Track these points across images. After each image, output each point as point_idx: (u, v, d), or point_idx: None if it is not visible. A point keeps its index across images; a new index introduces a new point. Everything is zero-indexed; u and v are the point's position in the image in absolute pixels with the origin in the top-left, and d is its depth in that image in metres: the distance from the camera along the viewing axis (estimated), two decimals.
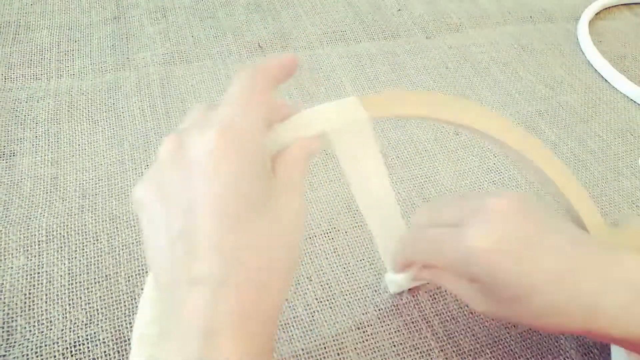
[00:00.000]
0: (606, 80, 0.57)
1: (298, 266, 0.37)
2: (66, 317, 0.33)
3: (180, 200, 0.21)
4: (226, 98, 0.23)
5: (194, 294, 0.19)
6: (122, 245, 0.37)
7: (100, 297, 0.34)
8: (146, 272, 0.36)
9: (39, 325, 0.33)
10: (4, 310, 0.33)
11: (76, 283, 0.35)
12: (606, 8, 0.68)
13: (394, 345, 0.34)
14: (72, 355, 0.31)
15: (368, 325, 0.34)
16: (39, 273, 0.35)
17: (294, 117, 0.25)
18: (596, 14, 0.67)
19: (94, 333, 0.32)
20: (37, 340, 0.32)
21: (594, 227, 0.30)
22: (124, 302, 0.34)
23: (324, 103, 0.26)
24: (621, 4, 0.70)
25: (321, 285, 0.36)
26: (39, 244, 0.37)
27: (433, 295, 0.36)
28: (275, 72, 0.25)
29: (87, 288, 0.35)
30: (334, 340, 0.33)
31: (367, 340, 0.34)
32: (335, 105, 0.26)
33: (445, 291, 0.37)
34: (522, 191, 0.44)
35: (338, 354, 0.33)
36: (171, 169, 0.21)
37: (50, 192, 0.40)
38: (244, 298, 0.20)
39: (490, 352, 0.34)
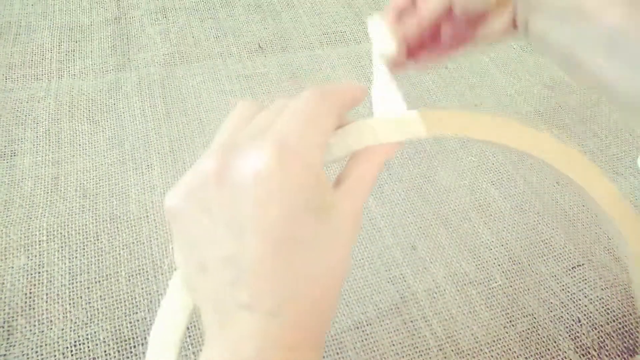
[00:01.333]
0: None
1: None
2: (66, 316, 0.33)
3: (229, 222, 0.19)
4: (287, 110, 0.21)
5: (243, 320, 0.19)
6: (123, 245, 0.37)
7: (100, 296, 0.34)
8: (146, 271, 0.36)
9: (39, 324, 0.33)
10: (4, 310, 0.33)
11: (77, 283, 0.35)
12: None
13: (393, 345, 0.34)
14: (72, 355, 0.32)
15: (367, 325, 0.34)
16: (39, 273, 0.35)
17: (347, 128, 0.24)
18: None
19: (94, 332, 0.33)
20: (37, 339, 0.32)
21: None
22: (125, 301, 0.34)
23: (382, 115, 0.24)
24: None
25: None
26: (39, 244, 0.37)
27: (432, 294, 0.37)
28: (347, 98, 0.23)
29: (88, 288, 0.35)
30: (333, 340, 0.33)
31: (366, 339, 0.34)
32: (395, 120, 0.24)
33: (445, 290, 0.37)
34: (519, 191, 0.44)
35: (337, 353, 0.33)
36: (218, 187, 0.19)
37: (51, 192, 0.40)
38: (295, 327, 0.19)
39: (489, 352, 0.34)
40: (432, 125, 0.25)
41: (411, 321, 0.35)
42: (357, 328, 0.34)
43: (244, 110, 0.23)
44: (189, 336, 0.33)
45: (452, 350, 0.34)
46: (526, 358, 0.34)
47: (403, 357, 0.33)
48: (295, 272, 0.19)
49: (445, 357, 0.33)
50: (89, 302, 0.34)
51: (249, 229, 0.19)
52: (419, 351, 0.34)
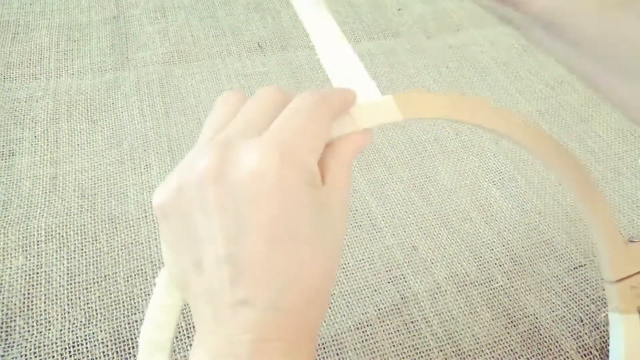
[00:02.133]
0: None
1: None
2: (65, 317, 0.33)
3: (226, 219, 0.19)
4: (288, 110, 0.21)
5: (240, 314, 0.19)
6: (121, 246, 0.37)
7: (99, 297, 0.34)
8: (145, 272, 0.36)
9: (37, 325, 0.32)
10: (2, 311, 0.33)
11: (75, 283, 0.35)
12: None
13: (394, 345, 0.33)
14: (70, 356, 0.31)
15: (367, 326, 0.34)
16: (37, 273, 0.35)
17: None
18: None
19: (93, 333, 0.32)
20: (35, 340, 0.32)
21: (612, 241, 0.30)
22: (123, 302, 0.34)
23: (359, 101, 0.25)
24: None
25: None
26: (37, 244, 0.37)
27: (433, 295, 0.36)
28: (342, 102, 0.23)
29: (86, 288, 0.35)
30: (333, 341, 0.33)
31: (366, 340, 0.34)
32: (372, 106, 0.25)
33: (446, 291, 0.37)
34: (520, 191, 0.44)
35: (337, 354, 0.33)
36: (215, 184, 0.19)
37: (50, 192, 0.40)
38: (292, 318, 0.19)
39: (490, 352, 0.34)
40: (408, 109, 0.25)
41: (412, 322, 0.35)
42: (358, 329, 0.34)
43: (229, 103, 0.23)
44: (188, 337, 0.33)
45: (453, 351, 0.33)
46: (528, 358, 0.34)
47: (404, 358, 0.33)
48: (293, 266, 0.19)
49: (446, 358, 0.33)
50: (88, 303, 0.34)
51: (248, 227, 0.19)
52: (420, 352, 0.33)
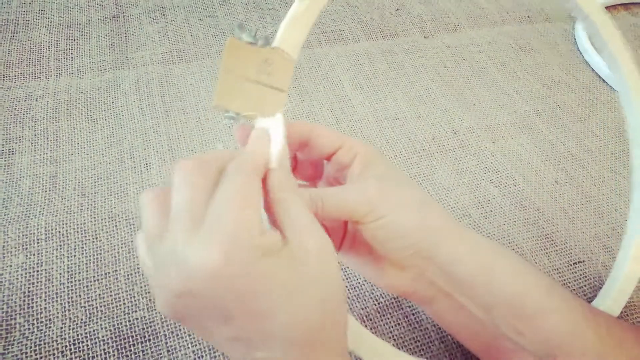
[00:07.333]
0: (603, 80, 0.57)
1: None
2: (65, 315, 0.33)
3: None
4: (221, 198, 0.21)
5: None
6: (122, 244, 0.37)
7: (99, 295, 0.34)
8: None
9: (38, 323, 0.32)
10: (2, 309, 0.33)
11: (75, 281, 0.35)
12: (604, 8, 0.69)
13: (394, 339, 0.34)
14: (71, 353, 0.31)
15: (368, 320, 0.34)
16: (38, 271, 0.35)
17: None
18: None
19: (93, 331, 0.32)
20: (36, 338, 0.32)
21: None
22: (123, 300, 0.34)
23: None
24: (618, 4, 0.70)
25: None
26: (38, 242, 0.37)
27: None
28: (262, 162, 0.24)
29: (87, 286, 0.35)
30: None
31: None
32: None
33: None
34: (518, 189, 0.44)
35: None
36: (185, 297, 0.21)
37: (50, 190, 0.40)
38: None
39: None
40: None
41: (412, 314, 0.35)
42: None
43: (155, 201, 0.22)
44: None
45: (454, 343, 0.34)
46: None
47: (404, 350, 0.33)
48: (279, 327, 0.21)
49: (447, 349, 0.33)
50: (88, 301, 0.34)
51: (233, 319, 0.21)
52: (421, 344, 0.33)
